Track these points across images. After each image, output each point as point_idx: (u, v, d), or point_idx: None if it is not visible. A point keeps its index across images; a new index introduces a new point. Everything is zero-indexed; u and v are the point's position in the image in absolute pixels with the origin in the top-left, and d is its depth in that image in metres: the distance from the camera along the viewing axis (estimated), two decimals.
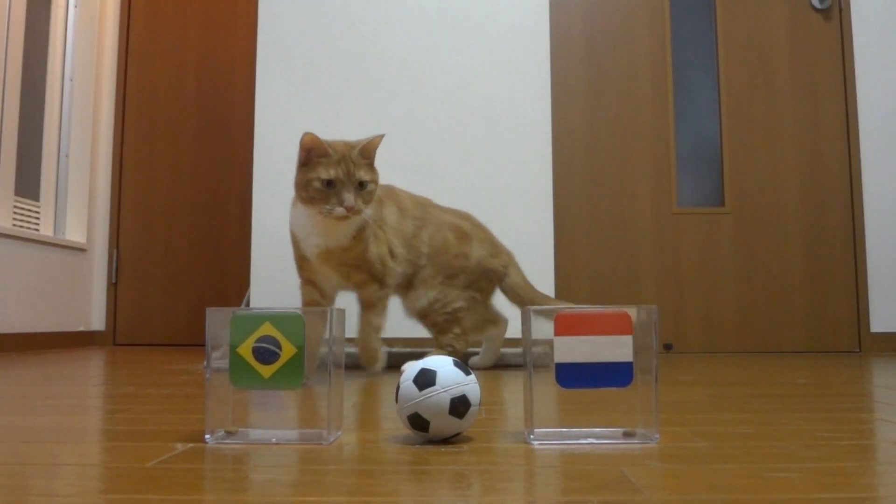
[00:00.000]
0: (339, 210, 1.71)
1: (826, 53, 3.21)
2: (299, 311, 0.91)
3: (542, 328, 0.92)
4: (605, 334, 0.91)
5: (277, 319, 0.90)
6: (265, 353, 0.91)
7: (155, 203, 3.68)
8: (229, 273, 3.65)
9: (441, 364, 0.95)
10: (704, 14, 3.27)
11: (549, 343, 0.92)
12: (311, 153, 1.73)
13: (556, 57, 3.22)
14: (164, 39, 3.78)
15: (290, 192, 2.85)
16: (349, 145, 1.76)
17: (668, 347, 3.09)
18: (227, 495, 0.67)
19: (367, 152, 1.77)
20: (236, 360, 0.91)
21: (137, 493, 0.67)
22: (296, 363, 0.90)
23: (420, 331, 3.00)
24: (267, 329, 0.90)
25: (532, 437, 0.93)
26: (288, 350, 0.90)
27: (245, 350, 0.91)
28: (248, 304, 2.95)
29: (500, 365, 2.32)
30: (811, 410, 1.25)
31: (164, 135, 3.71)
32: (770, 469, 0.78)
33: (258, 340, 0.91)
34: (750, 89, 3.21)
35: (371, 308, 1.91)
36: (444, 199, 3.07)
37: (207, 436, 0.94)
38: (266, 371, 0.90)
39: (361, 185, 1.75)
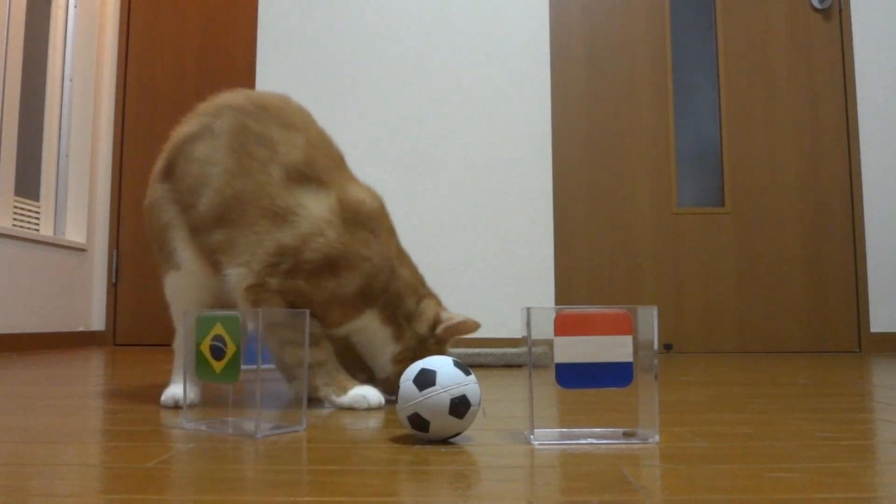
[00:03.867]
0: None
1: (826, 53, 3.21)
2: (237, 313, 0.98)
3: (543, 328, 0.92)
4: (605, 334, 0.91)
5: (223, 320, 0.99)
6: (217, 351, 0.99)
7: None
8: None
9: (441, 364, 0.95)
10: (704, 14, 3.27)
11: (549, 343, 0.92)
12: None
13: (556, 57, 3.22)
14: (164, 39, 3.78)
15: None
16: None
17: (668, 347, 3.09)
18: (227, 495, 0.67)
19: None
20: (199, 356, 1.01)
21: (137, 493, 0.67)
22: (236, 360, 0.97)
23: None
24: (218, 329, 0.99)
25: (532, 437, 0.93)
26: (231, 348, 0.98)
27: (205, 347, 1.00)
28: None
29: (501, 365, 2.32)
30: (811, 410, 1.25)
31: (164, 135, 3.70)
32: (770, 469, 0.78)
33: (213, 339, 1.00)
34: (750, 89, 3.21)
35: None
36: (444, 199, 3.07)
37: (187, 422, 1.01)
38: (217, 366, 0.99)
39: None
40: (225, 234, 1.26)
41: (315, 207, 1.23)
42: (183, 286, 1.33)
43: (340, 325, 1.28)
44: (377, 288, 1.26)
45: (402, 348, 1.30)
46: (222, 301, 1.34)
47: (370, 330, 1.30)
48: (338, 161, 1.33)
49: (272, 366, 1.53)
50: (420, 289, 1.33)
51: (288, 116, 1.31)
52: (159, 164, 1.41)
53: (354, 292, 1.24)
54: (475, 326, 1.31)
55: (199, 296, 1.33)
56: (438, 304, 1.35)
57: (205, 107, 1.38)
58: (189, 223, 1.32)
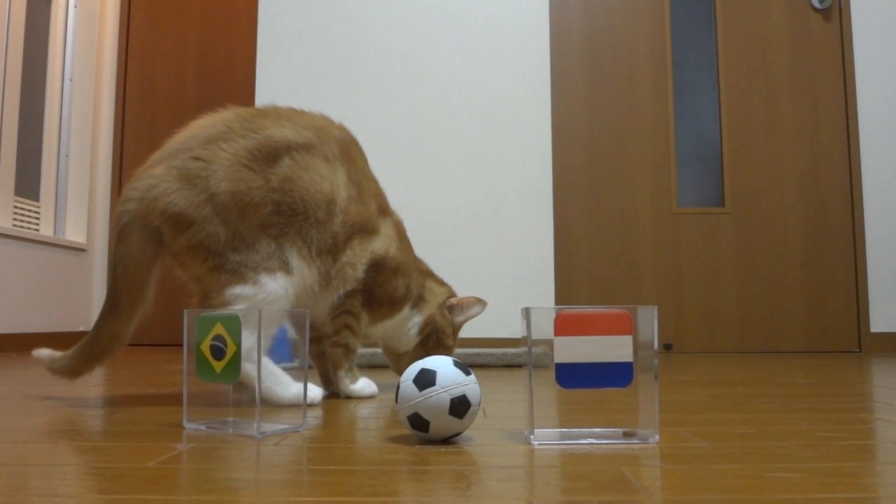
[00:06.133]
0: None
1: (826, 53, 3.21)
2: (237, 313, 0.99)
3: (543, 328, 0.92)
4: (605, 334, 0.91)
5: (223, 320, 1.00)
6: (217, 351, 1.00)
7: None
8: None
9: (441, 364, 0.95)
10: (704, 14, 3.27)
11: (549, 343, 0.92)
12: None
13: (556, 57, 3.22)
14: (164, 39, 3.78)
15: None
16: None
17: (668, 347, 3.09)
18: (228, 495, 0.67)
19: None
20: (199, 356, 1.02)
21: (137, 493, 0.67)
22: (236, 360, 0.98)
23: None
24: (219, 329, 1.00)
25: (532, 437, 0.93)
26: (231, 348, 0.98)
27: (205, 346, 1.01)
28: None
29: (501, 365, 2.32)
30: (811, 410, 1.25)
31: (164, 135, 3.70)
32: (770, 469, 0.78)
33: (213, 339, 1.00)
34: (750, 89, 3.21)
35: None
36: (444, 198, 3.07)
37: (188, 423, 1.03)
38: (218, 366, 1.00)
39: None
40: (351, 256, 1.40)
41: (385, 230, 1.49)
42: (292, 292, 1.31)
43: (385, 318, 1.49)
44: (412, 284, 1.53)
45: (424, 317, 1.53)
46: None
47: (402, 317, 1.52)
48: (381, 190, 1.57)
49: (290, 364, 1.62)
50: (429, 274, 1.59)
51: (362, 151, 1.50)
52: (248, 150, 1.32)
53: (404, 293, 1.50)
54: (478, 301, 1.55)
55: (297, 300, 1.35)
56: (442, 282, 1.60)
57: (289, 113, 1.39)
58: (310, 236, 1.33)
